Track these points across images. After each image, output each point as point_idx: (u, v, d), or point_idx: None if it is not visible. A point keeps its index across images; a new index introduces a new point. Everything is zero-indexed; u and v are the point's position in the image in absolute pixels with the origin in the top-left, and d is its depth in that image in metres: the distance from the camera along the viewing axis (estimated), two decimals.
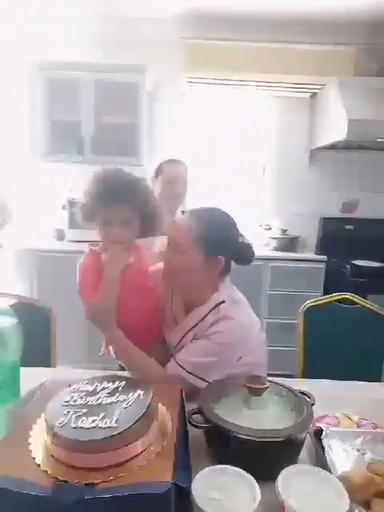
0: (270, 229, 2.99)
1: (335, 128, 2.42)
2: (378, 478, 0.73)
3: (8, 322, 0.71)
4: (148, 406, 0.65)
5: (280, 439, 0.73)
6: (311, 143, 2.89)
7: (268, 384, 0.84)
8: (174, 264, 1.05)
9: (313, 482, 0.68)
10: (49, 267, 2.57)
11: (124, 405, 0.66)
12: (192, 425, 0.79)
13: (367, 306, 1.67)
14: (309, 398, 0.91)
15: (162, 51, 2.77)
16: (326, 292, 2.51)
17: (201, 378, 0.99)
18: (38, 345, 1.51)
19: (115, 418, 0.62)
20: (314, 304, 1.72)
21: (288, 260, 2.65)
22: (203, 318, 1.06)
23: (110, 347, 1.12)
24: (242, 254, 1.09)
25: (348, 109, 2.32)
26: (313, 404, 0.88)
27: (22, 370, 0.77)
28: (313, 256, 2.72)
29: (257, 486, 0.65)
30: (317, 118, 2.82)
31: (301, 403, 0.85)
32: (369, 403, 1.10)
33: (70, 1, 2.46)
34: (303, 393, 0.92)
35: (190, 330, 1.08)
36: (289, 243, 2.86)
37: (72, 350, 2.37)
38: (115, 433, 0.60)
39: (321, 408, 1.03)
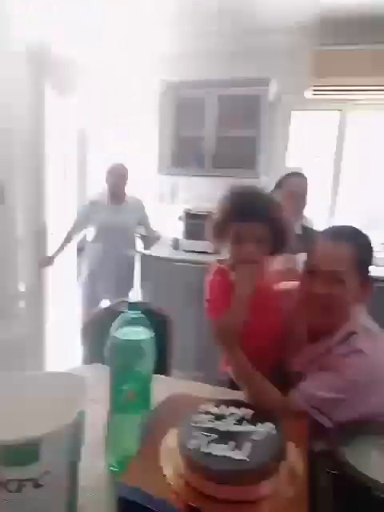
0: None
1: None
2: None
3: (146, 334, 0.74)
4: (282, 444, 0.61)
5: None
6: None
7: None
8: (337, 295, 0.96)
9: None
10: (164, 274, 2.70)
11: (254, 437, 0.63)
12: (323, 470, 0.72)
13: None
14: None
15: (287, 61, 2.71)
16: None
17: (326, 415, 0.91)
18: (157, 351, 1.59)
19: (247, 452, 0.60)
20: None
21: None
22: (333, 347, 0.97)
23: (229, 368, 1.10)
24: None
25: None
26: None
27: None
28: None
29: None
30: None
31: None
32: None
33: (200, 18, 2.53)
34: None
35: (315, 359, 1.00)
36: None
37: (182, 357, 2.44)
38: (247, 468, 0.57)
39: None
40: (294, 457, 0.67)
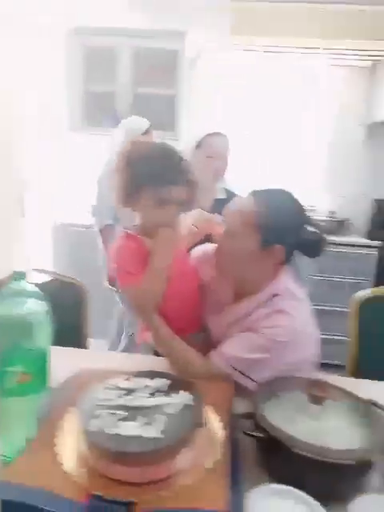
0: (314, 210, 2.78)
1: None
2: None
3: (37, 308, 0.62)
4: (199, 416, 0.54)
5: (352, 462, 0.61)
6: (369, 117, 2.62)
7: (332, 392, 0.71)
8: (226, 249, 0.94)
9: None
10: (79, 241, 2.52)
11: (169, 410, 0.56)
12: (245, 433, 0.68)
13: None
14: (378, 407, 0.77)
15: (206, 15, 2.56)
16: (380, 280, 2.32)
17: (248, 377, 0.88)
18: (71, 322, 1.46)
19: (161, 427, 0.52)
20: (372, 295, 1.55)
21: (335, 244, 2.45)
22: (255, 309, 0.93)
23: (148, 335, 1.03)
24: (309, 244, 0.95)
25: None
26: None
27: (55, 350, 0.69)
28: (364, 241, 2.50)
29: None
30: (377, 89, 2.53)
31: (370, 416, 0.72)
32: None
33: None
34: (374, 403, 0.78)
35: (238, 320, 0.96)
36: (336, 227, 2.65)
37: (104, 326, 2.31)
38: (162, 445, 0.49)
39: None
40: (214, 423, 0.62)
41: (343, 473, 0.63)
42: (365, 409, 0.74)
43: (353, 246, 2.46)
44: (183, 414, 0.55)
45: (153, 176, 0.92)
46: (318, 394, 0.71)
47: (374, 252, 2.43)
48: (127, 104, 2.55)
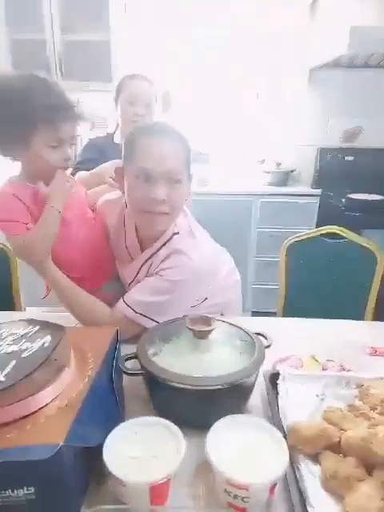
0: (263, 162, 2.77)
1: (336, 40, 2.10)
2: (331, 429, 0.64)
3: None
4: (49, 355, 0.54)
5: (218, 387, 0.64)
6: (310, 61, 2.55)
7: (213, 325, 0.73)
8: (169, 196, 0.88)
9: (252, 435, 0.59)
10: None
11: (24, 354, 0.55)
12: (123, 372, 0.70)
13: (355, 240, 1.53)
14: (266, 338, 0.81)
15: None
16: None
17: (152, 319, 0.89)
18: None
19: (7, 371, 0.52)
20: (297, 239, 1.59)
21: (279, 195, 2.47)
22: (156, 251, 0.93)
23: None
24: None
25: (350, 15, 1.98)
26: (268, 346, 0.78)
27: None
28: (306, 190, 2.52)
29: (182, 440, 0.56)
30: (317, 30, 2.45)
31: (253, 346, 0.75)
32: (341, 343, 1.00)
33: None
34: (260, 334, 0.82)
35: (142, 265, 0.96)
36: (283, 177, 2.65)
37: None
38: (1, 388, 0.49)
39: (288, 348, 0.94)
40: (86, 364, 0.63)
41: (215, 398, 0.66)
42: (249, 339, 0.77)
43: (298, 195, 2.48)
44: (35, 356, 0.55)
45: (47, 112, 0.85)
46: (201, 329, 0.73)
47: (316, 201, 2.46)
48: (59, 53, 2.37)
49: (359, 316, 1.48)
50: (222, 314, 1.10)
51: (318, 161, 2.71)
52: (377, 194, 2.44)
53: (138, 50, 2.55)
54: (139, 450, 0.55)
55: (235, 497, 0.53)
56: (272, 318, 1.17)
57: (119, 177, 0.93)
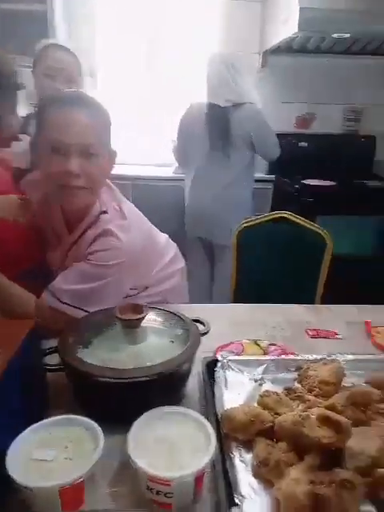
0: None
1: (286, 21, 2.08)
2: (264, 414, 0.62)
3: None
4: None
5: (145, 379, 0.59)
6: (263, 44, 2.52)
7: (144, 314, 0.68)
8: (83, 170, 0.82)
9: (179, 426, 0.55)
10: None
11: None
12: (47, 368, 0.64)
13: (305, 225, 1.53)
14: (203, 325, 0.77)
15: None
16: None
17: (81, 309, 0.83)
18: None
19: None
20: (247, 225, 1.57)
21: None
22: (83, 233, 0.87)
23: None
24: None
25: None
26: (205, 333, 0.75)
27: None
28: (260, 176, 2.52)
29: (101, 439, 0.51)
30: (269, 10, 2.42)
31: (188, 333, 0.71)
32: (285, 327, 0.99)
33: None
34: (198, 320, 0.78)
35: (69, 248, 0.90)
36: None
37: None
38: None
39: (230, 334, 0.92)
40: None
41: (145, 390, 0.62)
42: (185, 327, 0.73)
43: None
44: None
45: None
46: (130, 317, 0.69)
47: (270, 186, 2.47)
48: None
49: (309, 301, 1.49)
50: (167, 303, 1.06)
51: None
52: (330, 180, 2.48)
53: (79, 23, 2.40)
54: (52, 452, 0.50)
55: (158, 493, 0.49)
56: (215, 305, 1.15)
57: (33, 150, 0.87)
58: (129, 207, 0.93)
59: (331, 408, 0.61)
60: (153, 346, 0.68)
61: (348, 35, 2.15)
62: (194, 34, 2.52)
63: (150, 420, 0.55)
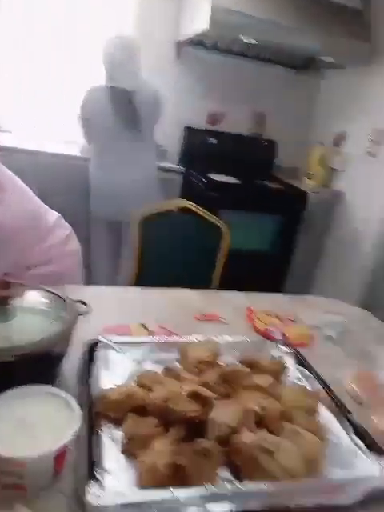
0: None
1: (199, 16, 2.11)
2: (138, 392, 0.63)
3: None
4: None
5: (9, 359, 0.55)
6: (177, 34, 2.51)
7: (13, 291, 0.64)
8: None
9: (41, 406, 0.53)
10: None
11: None
12: None
13: (204, 216, 1.59)
14: (85, 305, 0.75)
15: None
16: None
17: None
18: None
19: None
20: (151, 212, 1.57)
21: None
22: None
23: None
24: None
25: None
26: (83, 313, 0.72)
27: None
28: (170, 165, 2.54)
29: None
30: (184, 2, 2.42)
31: (67, 313, 0.68)
32: (174, 311, 1.02)
33: None
34: (81, 301, 0.75)
35: None
36: None
37: None
38: None
39: (118, 317, 0.91)
40: None
41: (12, 371, 0.57)
42: (63, 307, 0.70)
43: (163, 170, 2.47)
44: None
45: None
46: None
47: (178, 177, 2.50)
48: None
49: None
50: (62, 284, 1.01)
51: (184, 139, 2.75)
52: (235, 177, 2.61)
53: None
54: None
55: (11, 474, 0.46)
56: (107, 287, 1.13)
57: None
58: (9, 180, 0.85)
59: (204, 385, 0.65)
60: (26, 324, 0.64)
61: (255, 42, 2.27)
62: (108, 17, 2.42)
63: (9, 400, 0.51)
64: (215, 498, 0.49)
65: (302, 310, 1.09)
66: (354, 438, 0.60)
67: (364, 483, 0.50)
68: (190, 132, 2.75)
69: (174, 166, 2.60)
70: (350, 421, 0.63)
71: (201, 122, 2.81)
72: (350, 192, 2.59)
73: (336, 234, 2.68)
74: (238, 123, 2.86)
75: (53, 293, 0.72)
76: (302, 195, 2.54)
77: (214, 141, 2.80)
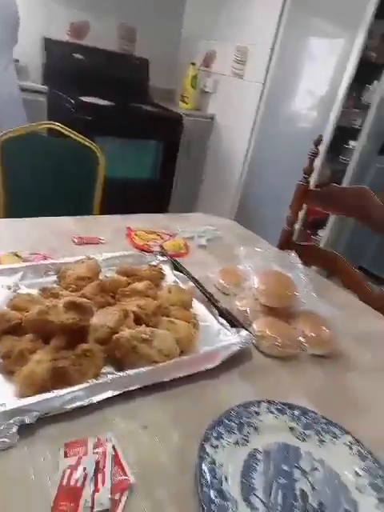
0: None
1: None
2: (11, 313, 0.61)
3: None
4: None
5: None
6: None
7: None
8: None
9: None
10: None
11: None
12: None
13: (78, 139, 1.48)
14: None
15: None
16: None
17: None
18: None
19: None
20: (13, 135, 1.40)
21: None
22: None
23: None
24: None
25: None
26: None
27: None
28: (32, 84, 2.24)
29: None
30: None
31: None
32: (50, 238, 0.97)
33: None
34: None
35: None
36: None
37: None
38: None
39: None
40: None
41: None
42: None
43: (24, 90, 2.17)
44: None
45: None
46: None
47: (43, 98, 2.25)
48: None
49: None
50: None
51: (44, 53, 2.41)
52: (108, 99, 2.43)
53: None
54: None
55: None
56: None
57: None
58: None
59: (82, 297, 0.66)
60: None
61: None
62: None
63: None
64: (96, 389, 0.51)
65: (179, 226, 1.15)
66: (221, 319, 0.70)
67: (225, 351, 0.60)
68: (50, 45, 2.42)
69: (37, 85, 2.30)
70: (217, 307, 0.72)
71: (63, 35, 2.48)
72: (219, 114, 2.67)
73: (211, 156, 2.79)
74: (105, 38, 2.61)
75: None
76: (178, 119, 2.53)
77: (79, 56, 2.52)
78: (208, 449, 0.42)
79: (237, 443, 0.44)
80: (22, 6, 1.85)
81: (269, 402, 0.51)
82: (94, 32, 2.57)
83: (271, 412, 0.50)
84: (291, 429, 0.50)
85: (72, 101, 2.21)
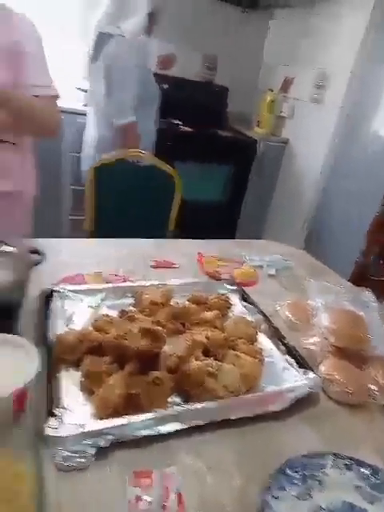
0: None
1: None
2: (93, 333, 0.67)
3: None
4: None
5: None
6: None
7: None
8: None
9: (5, 352, 0.55)
10: None
11: None
12: None
13: (157, 164, 1.58)
14: (39, 255, 0.76)
15: None
16: None
17: None
18: None
19: None
20: (105, 162, 1.53)
21: None
22: None
23: None
24: None
25: None
26: (38, 262, 0.73)
27: None
28: None
29: None
30: None
31: (21, 264, 0.69)
32: (129, 260, 1.04)
33: None
34: (35, 251, 0.76)
35: None
36: None
37: None
38: None
39: (75, 268, 0.92)
40: None
41: None
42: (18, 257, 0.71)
43: None
44: None
45: None
46: None
47: None
48: None
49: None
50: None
51: None
52: (189, 126, 2.54)
53: None
54: None
55: None
56: (61, 240, 1.11)
57: None
58: None
59: (156, 324, 0.70)
60: None
61: None
62: None
63: None
64: (165, 420, 0.54)
65: (247, 253, 1.16)
66: (287, 358, 0.69)
67: (291, 393, 0.60)
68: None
69: None
70: (284, 344, 0.72)
71: (153, 66, 2.66)
72: (294, 139, 2.64)
73: (283, 181, 2.76)
74: (188, 68, 2.75)
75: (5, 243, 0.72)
76: (252, 144, 2.55)
77: (165, 86, 2.68)
78: (270, 500, 0.42)
79: (299, 497, 0.44)
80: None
81: (335, 455, 0.50)
82: (179, 62, 2.72)
83: (338, 467, 0.48)
84: (357, 487, 0.48)
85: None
